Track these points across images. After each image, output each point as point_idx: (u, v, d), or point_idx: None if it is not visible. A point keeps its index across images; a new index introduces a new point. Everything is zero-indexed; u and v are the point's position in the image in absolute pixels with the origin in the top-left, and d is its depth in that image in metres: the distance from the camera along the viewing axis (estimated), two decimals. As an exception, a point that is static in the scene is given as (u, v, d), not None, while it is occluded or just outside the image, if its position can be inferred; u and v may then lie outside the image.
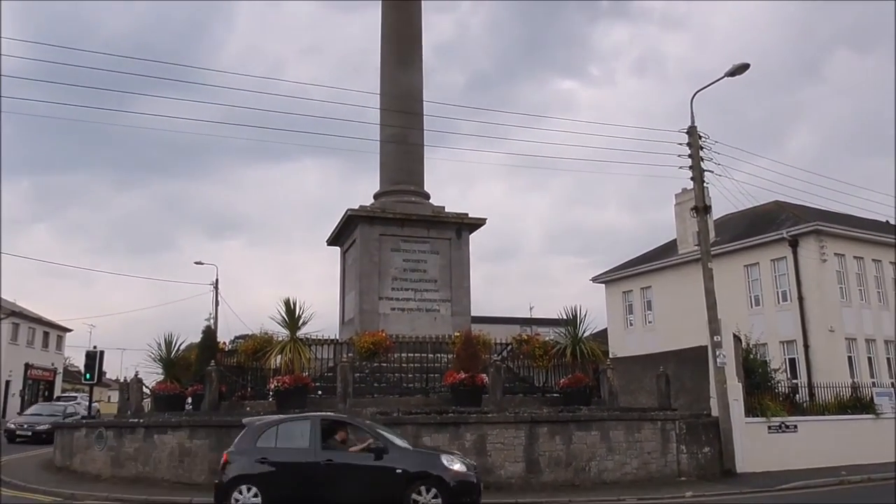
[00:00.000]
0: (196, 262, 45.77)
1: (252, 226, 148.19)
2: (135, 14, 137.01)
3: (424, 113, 21.30)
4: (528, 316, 51.89)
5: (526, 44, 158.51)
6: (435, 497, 10.70)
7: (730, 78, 18.06)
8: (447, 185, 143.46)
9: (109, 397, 69.95)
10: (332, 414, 13.04)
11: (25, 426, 28.12)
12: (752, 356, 20.77)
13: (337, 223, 20.55)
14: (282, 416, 12.53)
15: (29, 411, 32.51)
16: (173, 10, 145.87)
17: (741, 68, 17.79)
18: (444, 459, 11.19)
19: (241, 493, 10.70)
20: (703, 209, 18.22)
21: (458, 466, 11.04)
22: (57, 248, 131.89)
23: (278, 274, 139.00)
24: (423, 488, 10.74)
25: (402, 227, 19.48)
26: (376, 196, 20.69)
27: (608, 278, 40.86)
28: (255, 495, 10.69)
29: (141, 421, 16.03)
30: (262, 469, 10.86)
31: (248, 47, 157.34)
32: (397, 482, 10.75)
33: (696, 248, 19.23)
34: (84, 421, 18.74)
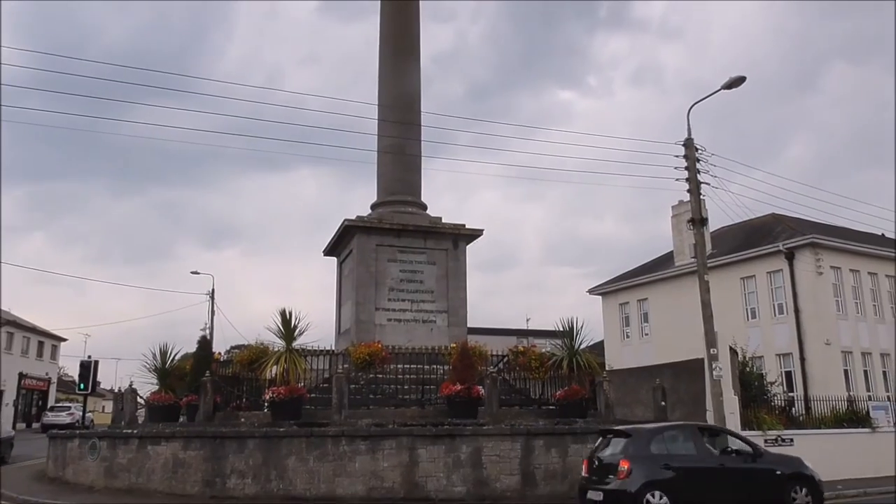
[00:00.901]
0: (192, 272, 45.74)
1: (249, 235, 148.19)
2: (134, 23, 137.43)
3: (422, 123, 21.35)
4: (525, 327, 51.84)
5: (524, 54, 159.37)
6: (806, 495, 12.36)
7: (726, 91, 18.16)
8: (445, 194, 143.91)
9: (104, 407, 69.69)
10: (701, 423, 14.84)
11: None
12: (748, 369, 20.76)
13: (334, 233, 20.53)
14: (661, 424, 14.00)
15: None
16: (173, 18, 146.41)
17: (737, 81, 17.88)
18: (807, 463, 12.83)
19: (652, 496, 11.31)
20: (699, 221, 18.25)
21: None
22: (53, 257, 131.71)
23: (275, 283, 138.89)
24: (797, 487, 12.32)
25: (398, 238, 19.46)
26: (373, 206, 20.68)
27: (605, 290, 40.86)
28: (661, 498, 11.34)
29: (134, 431, 15.92)
30: (667, 475, 11.59)
31: (247, 56, 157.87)
32: (778, 482, 12.24)
33: (693, 260, 19.26)
34: (77, 431, 18.63)
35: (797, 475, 12.46)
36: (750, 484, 12.07)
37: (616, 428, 13.08)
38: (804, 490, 12.32)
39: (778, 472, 12.29)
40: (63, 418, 41.76)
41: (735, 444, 12.76)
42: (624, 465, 11.51)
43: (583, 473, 12.44)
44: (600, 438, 12.94)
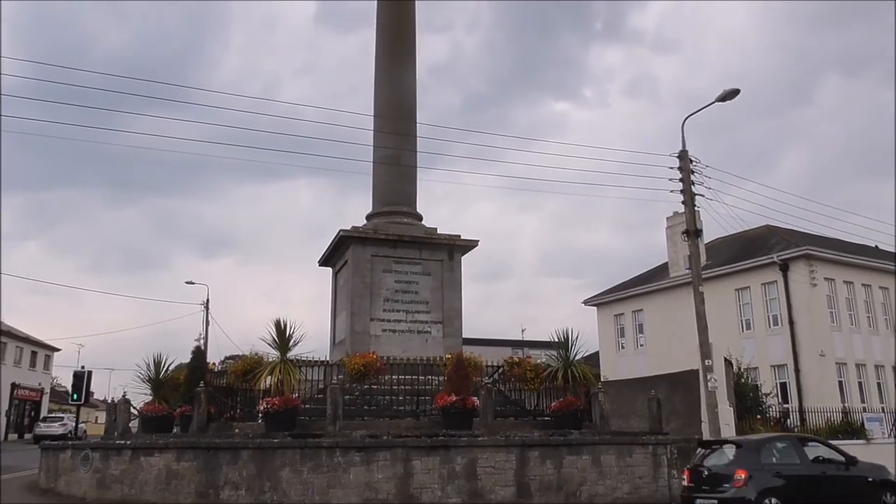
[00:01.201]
0: (187, 282, 45.71)
1: (244, 245, 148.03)
2: (130, 33, 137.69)
3: (418, 134, 21.39)
4: (520, 338, 51.85)
5: (520, 65, 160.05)
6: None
7: (720, 103, 18.26)
8: (441, 205, 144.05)
9: (97, 418, 69.29)
10: (798, 433, 16.17)
11: None
12: (743, 380, 20.83)
13: (329, 244, 20.52)
14: (765, 435, 15.20)
15: None
16: (169, 28, 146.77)
17: (731, 94, 18.00)
18: (891, 470, 13.95)
19: (769, 503, 12.08)
20: (694, 233, 18.31)
21: None
22: (47, 266, 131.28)
23: (269, 293, 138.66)
24: (888, 493, 13.28)
25: (394, 249, 19.46)
26: (369, 217, 20.69)
27: (600, 301, 40.91)
28: None
29: (127, 442, 15.81)
30: (778, 483, 12.40)
31: (244, 65, 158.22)
32: (871, 489, 13.18)
33: (688, 271, 19.32)
34: (70, 442, 18.51)
35: (886, 482, 13.47)
36: (847, 491, 12.96)
37: (723, 439, 14.38)
38: (892, 496, 13.30)
39: (870, 479, 13.25)
40: (56, 429, 41.61)
41: (827, 453, 13.53)
42: (741, 475, 12.22)
43: (685, 484, 13.21)
44: (701, 449, 13.86)
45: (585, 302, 41.90)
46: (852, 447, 19.26)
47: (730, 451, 13.17)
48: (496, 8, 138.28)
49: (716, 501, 12.36)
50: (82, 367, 29.97)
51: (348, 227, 19.45)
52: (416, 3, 22.25)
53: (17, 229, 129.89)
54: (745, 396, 19.66)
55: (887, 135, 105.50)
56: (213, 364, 19.83)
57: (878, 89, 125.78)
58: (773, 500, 12.04)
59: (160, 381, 18.33)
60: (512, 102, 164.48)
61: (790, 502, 12.20)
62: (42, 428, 43.55)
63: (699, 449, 14.06)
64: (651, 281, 37.84)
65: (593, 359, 31.67)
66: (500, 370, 18.26)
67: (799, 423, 21.68)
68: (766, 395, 21.72)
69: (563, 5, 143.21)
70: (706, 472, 12.95)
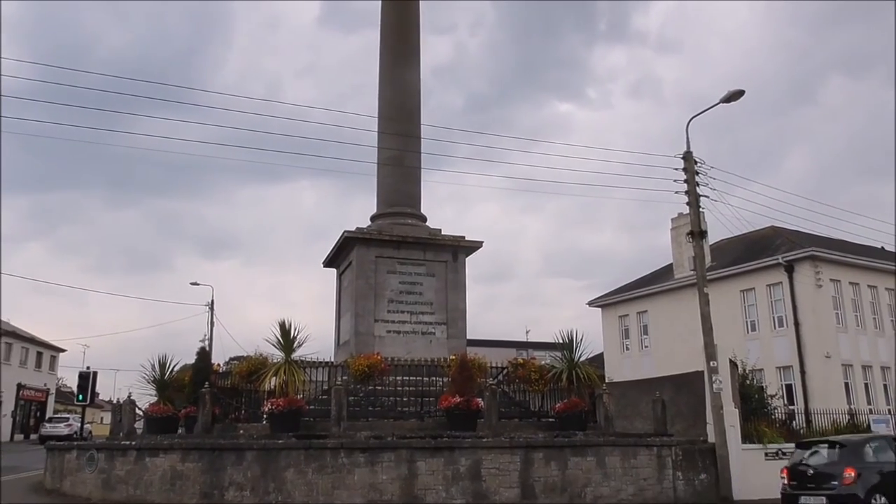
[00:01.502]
0: (192, 283, 45.80)
1: (248, 246, 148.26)
2: (133, 34, 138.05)
3: (422, 136, 21.39)
4: (525, 339, 51.80)
5: (524, 66, 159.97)
6: None
7: (725, 104, 18.20)
8: (445, 206, 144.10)
9: (102, 419, 69.48)
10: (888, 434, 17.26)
11: None
12: (748, 382, 20.71)
13: (333, 245, 20.54)
14: (864, 435, 16.35)
15: None
16: (172, 28, 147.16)
17: (736, 94, 17.92)
18: None
19: (875, 499, 12.80)
20: (698, 234, 18.25)
21: None
22: (52, 267, 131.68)
23: (274, 294, 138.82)
24: None
25: (398, 250, 19.46)
26: (373, 218, 20.70)
27: (604, 302, 40.85)
28: (883, 500, 12.88)
29: (132, 443, 15.84)
30: (882, 480, 13.05)
31: (248, 66, 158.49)
32: None
33: (692, 272, 19.28)
34: (75, 443, 18.56)
35: None
36: None
37: (821, 439, 15.22)
38: None
39: None
40: (61, 430, 41.66)
41: None
42: (850, 472, 12.94)
43: (786, 482, 13.86)
44: (799, 450, 14.71)
45: (590, 303, 41.85)
46: (858, 449, 19.27)
47: (831, 451, 13.95)
48: (500, 9, 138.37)
49: (824, 499, 12.99)
50: (87, 368, 30.09)
51: (353, 229, 19.47)
52: (421, 4, 22.28)
53: (21, 230, 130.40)
54: (751, 398, 19.56)
55: (890, 135, 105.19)
56: (218, 365, 19.84)
57: (882, 89, 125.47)
58: (880, 497, 12.79)
59: (165, 382, 18.37)
60: (516, 103, 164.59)
61: (892, 500, 12.86)
62: (48, 428, 43.67)
63: (796, 449, 14.96)
64: (656, 282, 37.78)
65: (598, 360, 31.57)
66: (505, 371, 18.25)
67: (805, 425, 21.58)
68: (772, 396, 21.60)
69: (566, 6, 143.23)
70: (811, 471, 13.61)
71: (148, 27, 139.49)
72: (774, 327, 31.44)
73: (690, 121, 18.73)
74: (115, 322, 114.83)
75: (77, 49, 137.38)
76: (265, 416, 15.96)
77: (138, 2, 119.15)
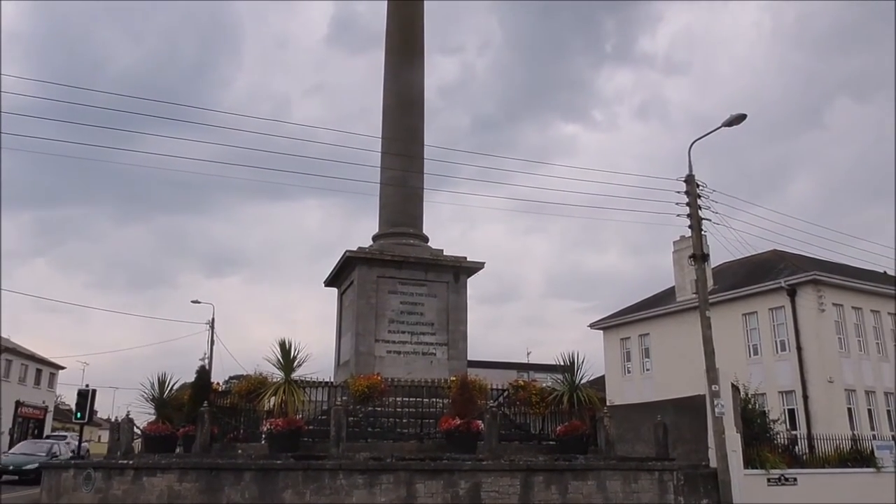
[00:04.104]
0: (193, 301, 45.72)
1: (251, 264, 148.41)
2: (142, 52, 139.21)
3: (426, 156, 21.48)
4: (526, 361, 51.55)
5: (530, 87, 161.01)
6: None
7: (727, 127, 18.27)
8: (448, 227, 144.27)
9: (100, 437, 69.07)
10: None
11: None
12: (750, 406, 20.56)
13: (335, 264, 20.53)
14: None
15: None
16: (181, 48, 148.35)
17: (738, 119, 18.00)
18: None
19: None
20: (700, 257, 18.24)
21: None
22: (55, 283, 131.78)
23: (275, 313, 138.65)
24: None
25: (399, 270, 19.45)
26: (375, 238, 20.72)
27: (606, 325, 40.72)
28: None
29: (130, 462, 15.74)
30: None
31: (255, 85, 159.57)
32: None
33: (694, 295, 19.22)
34: (72, 461, 18.41)
35: None
36: None
37: None
38: None
39: None
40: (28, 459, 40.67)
41: None
42: None
43: None
44: None
45: (592, 325, 41.72)
46: (861, 476, 19.12)
47: None
48: (507, 30, 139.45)
49: None
50: (86, 386, 29.87)
51: (355, 248, 19.47)
52: (426, 25, 22.50)
53: (25, 246, 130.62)
54: (753, 423, 19.41)
55: (891, 159, 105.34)
56: (217, 384, 19.75)
57: (888, 113, 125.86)
58: None
59: (164, 401, 18.27)
60: (522, 124, 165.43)
61: None
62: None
63: None
64: (658, 305, 37.69)
65: (599, 383, 31.44)
66: (506, 393, 18.14)
67: (808, 451, 21.40)
68: (774, 421, 21.44)
69: (573, 28, 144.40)
70: None
71: (159, 45, 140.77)
72: (777, 351, 31.29)
73: (693, 144, 18.81)
74: (116, 339, 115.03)
75: (86, 67, 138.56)
76: (264, 435, 15.87)
77: (149, 21, 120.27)
